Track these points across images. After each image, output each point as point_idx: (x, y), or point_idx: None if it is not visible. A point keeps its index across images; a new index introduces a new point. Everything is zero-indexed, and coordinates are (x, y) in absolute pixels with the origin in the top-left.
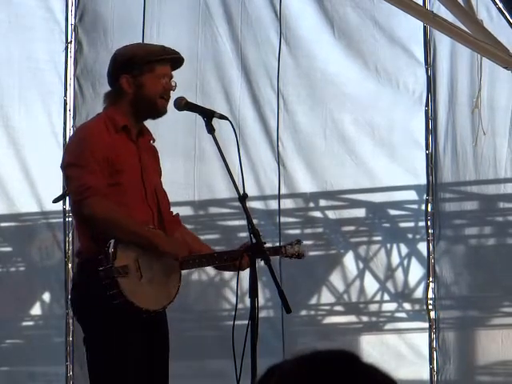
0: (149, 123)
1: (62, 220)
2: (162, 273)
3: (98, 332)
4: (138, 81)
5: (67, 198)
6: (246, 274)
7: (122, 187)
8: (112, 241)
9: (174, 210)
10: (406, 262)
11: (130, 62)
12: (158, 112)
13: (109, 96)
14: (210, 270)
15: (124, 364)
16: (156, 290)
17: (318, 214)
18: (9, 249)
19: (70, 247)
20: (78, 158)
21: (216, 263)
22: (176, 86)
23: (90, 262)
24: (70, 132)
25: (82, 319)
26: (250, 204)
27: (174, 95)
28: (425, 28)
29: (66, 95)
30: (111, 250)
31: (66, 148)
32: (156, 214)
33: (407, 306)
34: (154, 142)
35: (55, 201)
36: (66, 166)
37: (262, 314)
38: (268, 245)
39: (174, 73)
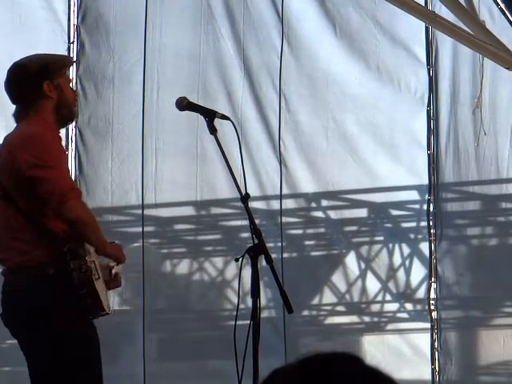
0: (149, 124)
1: None
2: (103, 278)
3: (62, 333)
4: (57, 86)
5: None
6: (247, 275)
7: None
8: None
9: (176, 210)
10: (407, 262)
11: (47, 69)
12: (73, 117)
13: (29, 106)
14: (212, 270)
15: (93, 362)
16: (104, 293)
17: (319, 214)
18: None
19: None
20: (50, 160)
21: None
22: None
23: (46, 265)
24: (71, 133)
25: (39, 326)
26: (252, 204)
27: (176, 95)
28: (427, 28)
29: None
30: (85, 245)
31: (27, 149)
32: None
33: (409, 306)
34: None
35: None
36: (34, 167)
37: (264, 314)
38: (270, 245)
39: (176, 73)
